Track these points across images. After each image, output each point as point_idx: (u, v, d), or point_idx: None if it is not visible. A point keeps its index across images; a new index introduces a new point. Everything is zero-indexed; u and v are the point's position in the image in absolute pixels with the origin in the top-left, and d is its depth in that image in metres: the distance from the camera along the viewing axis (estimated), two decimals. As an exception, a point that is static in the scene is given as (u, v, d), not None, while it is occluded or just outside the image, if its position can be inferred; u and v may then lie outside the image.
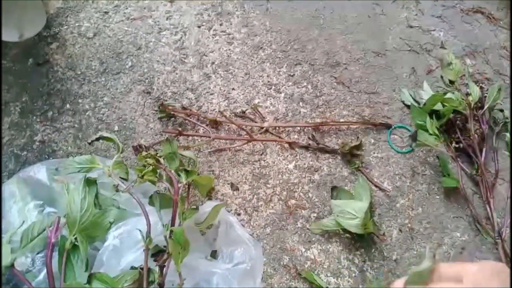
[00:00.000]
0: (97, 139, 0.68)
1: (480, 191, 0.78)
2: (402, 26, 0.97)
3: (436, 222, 0.76)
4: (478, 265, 0.41)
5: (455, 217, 0.77)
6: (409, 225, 0.76)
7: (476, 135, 0.79)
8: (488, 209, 0.76)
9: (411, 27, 0.97)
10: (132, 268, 0.60)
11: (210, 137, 0.77)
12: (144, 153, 0.61)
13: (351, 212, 0.71)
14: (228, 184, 0.77)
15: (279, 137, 0.81)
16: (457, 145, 0.79)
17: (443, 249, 0.74)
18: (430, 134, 0.76)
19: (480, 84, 0.85)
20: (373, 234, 0.73)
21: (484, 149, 0.79)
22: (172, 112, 0.80)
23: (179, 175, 0.64)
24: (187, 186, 0.67)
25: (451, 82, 0.81)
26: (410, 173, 0.80)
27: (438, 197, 0.78)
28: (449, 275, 0.41)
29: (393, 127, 0.83)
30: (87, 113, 0.81)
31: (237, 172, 0.78)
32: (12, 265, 0.55)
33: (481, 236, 0.75)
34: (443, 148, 0.80)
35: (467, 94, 0.81)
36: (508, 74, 0.91)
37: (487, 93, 0.82)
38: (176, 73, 0.86)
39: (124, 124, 0.80)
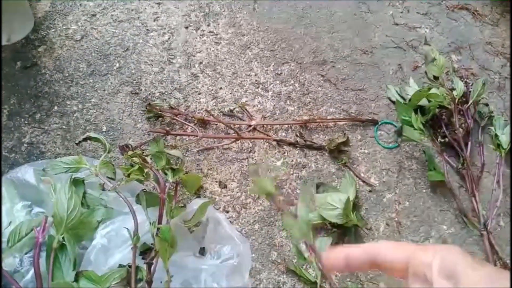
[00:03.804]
0: (85, 140, 0.68)
1: (465, 185, 0.79)
2: (388, 24, 0.98)
3: (423, 216, 0.77)
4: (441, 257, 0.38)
5: (441, 210, 0.77)
6: (396, 219, 0.76)
7: (461, 130, 0.80)
8: (473, 202, 0.77)
9: (397, 24, 0.98)
10: (120, 266, 0.61)
11: (198, 136, 0.78)
12: (130, 152, 0.62)
13: (331, 203, 0.72)
14: (217, 182, 0.78)
15: (267, 135, 0.82)
16: (442, 140, 0.80)
17: (430, 242, 0.75)
18: (415, 129, 0.76)
19: (465, 79, 0.86)
20: (360, 228, 0.74)
21: (469, 143, 0.80)
22: (160, 112, 0.81)
23: (166, 174, 0.65)
24: (174, 184, 0.68)
25: (435, 77, 0.82)
26: (396, 168, 0.81)
27: (424, 191, 0.79)
28: (419, 269, 0.39)
29: (379, 123, 0.84)
30: (75, 115, 0.81)
31: (226, 170, 0.79)
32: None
33: (467, 228, 0.76)
34: (429, 142, 0.81)
35: (452, 89, 0.82)
36: (493, 69, 0.92)
37: (472, 88, 0.83)
38: (164, 74, 0.87)
39: (112, 125, 0.81)
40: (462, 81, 0.83)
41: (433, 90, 0.78)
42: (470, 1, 1.02)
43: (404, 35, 0.97)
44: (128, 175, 0.60)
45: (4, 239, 0.59)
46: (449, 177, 0.78)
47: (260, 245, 0.73)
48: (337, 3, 0.99)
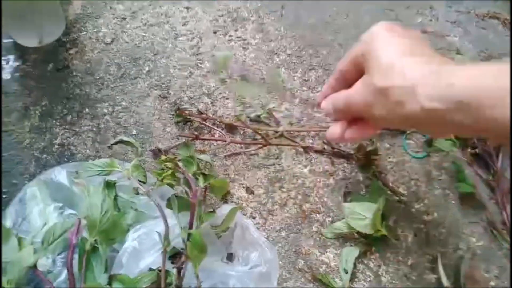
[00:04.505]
0: (116, 143, 0.69)
1: (496, 197, 0.77)
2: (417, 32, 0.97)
3: (451, 227, 0.76)
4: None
5: (470, 222, 0.76)
6: (425, 230, 0.76)
7: (492, 140, 0.79)
8: (504, 214, 0.76)
9: (426, 32, 0.97)
10: (150, 270, 0.61)
11: (226, 141, 0.78)
12: (163, 157, 0.62)
13: (360, 212, 0.71)
14: (244, 187, 0.78)
15: (294, 142, 0.82)
16: (473, 150, 0.79)
17: (458, 254, 0.74)
18: (446, 139, 0.76)
19: (496, 90, 0.84)
20: (388, 238, 0.73)
21: (500, 154, 0.79)
22: (188, 117, 0.81)
23: (196, 179, 0.65)
24: (204, 189, 0.68)
25: (467, 87, 0.81)
26: (425, 178, 0.80)
27: (453, 202, 0.78)
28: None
29: (408, 132, 0.84)
30: (105, 117, 0.82)
31: (252, 176, 0.79)
32: (35, 266, 0.56)
33: (497, 241, 0.75)
34: (459, 153, 0.81)
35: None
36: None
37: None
38: (193, 78, 0.87)
39: (142, 128, 0.82)
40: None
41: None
42: (500, 10, 1.01)
43: (433, 43, 0.96)
44: (162, 180, 0.61)
45: (39, 239, 0.60)
46: (479, 189, 0.77)
47: (286, 253, 0.73)
48: (365, 10, 0.99)
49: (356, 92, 0.48)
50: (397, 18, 0.98)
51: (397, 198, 0.78)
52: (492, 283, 0.72)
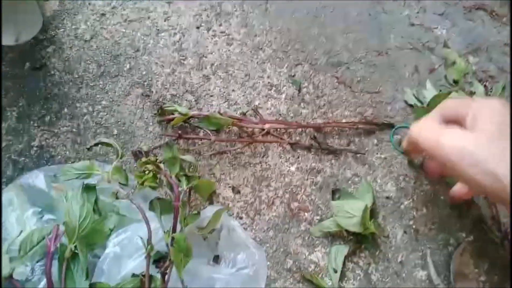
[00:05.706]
0: (96, 145, 0.67)
1: (485, 191, 0.77)
2: (404, 24, 0.95)
3: (441, 223, 0.75)
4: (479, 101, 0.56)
5: (460, 217, 0.76)
6: (414, 226, 0.75)
7: (480, 134, 0.77)
8: (493, 209, 0.75)
9: (413, 25, 0.95)
10: (134, 275, 0.59)
11: (210, 140, 0.76)
12: (144, 159, 0.60)
13: (348, 211, 0.70)
14: (230, 187, 0.76)
15: (281, 139, 0.80)
16: (461, 145, 0.78)
17: (448, 250, 0.73)
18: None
19: (484, 83, 0.83)
20: (377, 236, 0.72)
21: (489, 148, 0.78)
22: (172, 115, 0.78)
23: (179, 181, 0.63)
24: (188, 190, 0.66)
25: (455, 81, 0.80)
26: (414, 173, 0.79)
27: (442, 197, 0.77)
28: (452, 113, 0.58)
29: (396, 127, 0.82)
30: (85, 117, 0.79)
31: (239, 175, 0.77)
32: (11, 276, 0.54)
33: (487, 236, 0.74)
34: (447, 147, 0.79)
35: (471, 93, 0.80)
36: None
37: (491, 92, 0.81)
38: (175, 75, 0.85)
39: (123, 128, 0.79)
40: (481, 84, 0.81)
41: (453, 94, 0.76)
42: (488, 1, 1.00)
43: (420, 36, 0.94)
44: (142, 183, 0.59)
45: (16, 247, 0.57)
46: (468, 184, 0.76)
47: (274, 253, 0.71)
48: (352, 3, 0.97)
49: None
50: (384, 10, 0.97)
51: (385, 194, 0.77)
52: (482, 278, 0.71)
